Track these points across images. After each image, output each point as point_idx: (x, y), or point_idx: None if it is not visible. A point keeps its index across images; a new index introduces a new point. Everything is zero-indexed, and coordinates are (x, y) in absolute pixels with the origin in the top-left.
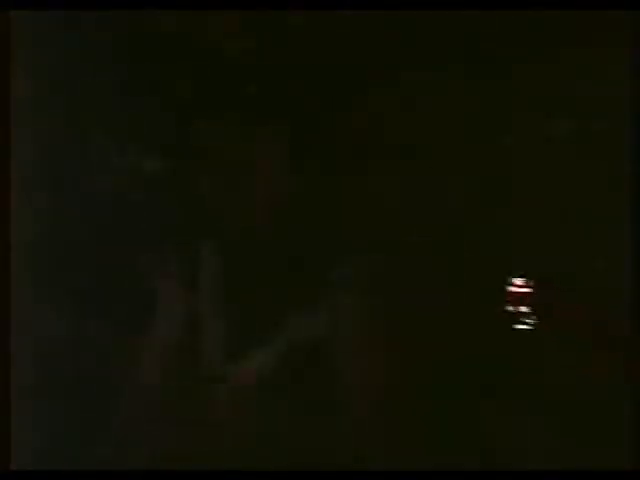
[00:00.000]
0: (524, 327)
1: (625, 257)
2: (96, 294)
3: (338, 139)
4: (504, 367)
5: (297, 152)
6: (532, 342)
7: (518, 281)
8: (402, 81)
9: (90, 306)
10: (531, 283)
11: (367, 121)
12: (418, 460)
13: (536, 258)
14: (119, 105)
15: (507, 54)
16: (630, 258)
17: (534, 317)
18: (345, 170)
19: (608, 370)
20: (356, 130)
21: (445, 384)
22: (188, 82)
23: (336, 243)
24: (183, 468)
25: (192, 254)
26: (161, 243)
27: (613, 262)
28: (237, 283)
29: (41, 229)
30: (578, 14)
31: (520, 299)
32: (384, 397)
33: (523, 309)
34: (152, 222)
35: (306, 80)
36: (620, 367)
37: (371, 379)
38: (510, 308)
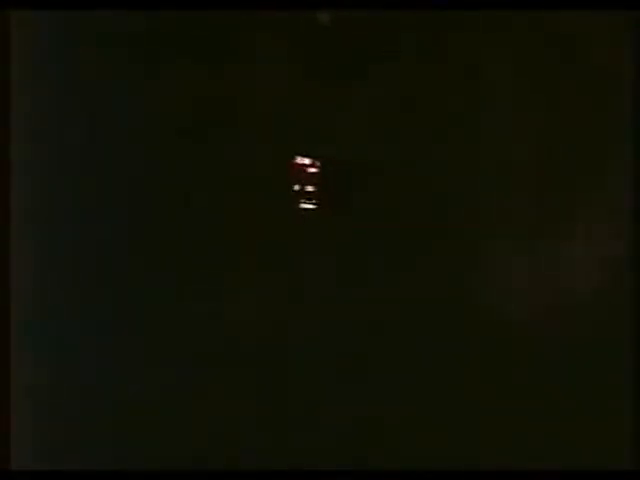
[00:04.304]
0: (309, 206)
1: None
2: None
3: None
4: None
5: None
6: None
7: (305, 160)
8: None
9: None
10: (317, 163)
11: None
12: None
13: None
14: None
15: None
16: None
17: (319, 196)
18: None
19: None
20: None
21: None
22: None
23: None
24: None
25: None
26: None
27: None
28: None
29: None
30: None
31: (306, 178)
32: None
33: (309, 188)
34: None
35: None
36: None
37: None
38: (296, 187)
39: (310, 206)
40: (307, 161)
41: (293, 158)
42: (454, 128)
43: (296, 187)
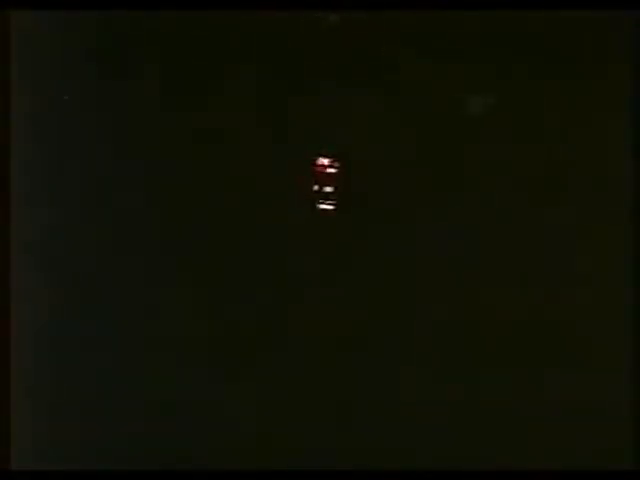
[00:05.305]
0: (328, 206)
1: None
2: None
3: None
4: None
5: None
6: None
7: (325, 161)
8: None
9: None
10: (337, 163)
11: None
12: None
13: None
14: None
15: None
16: None
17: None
18: None
19: None
20: None
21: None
22: None
23: None
24: None
25: None
26: None
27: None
28: None
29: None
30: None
31: (325, 179)
32: None
33: (328, 189)
34: None
35: None
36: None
37: None
38: (315, 187)
39: (326, 206)
40: (323, 161)
41: (301, 159)
42: (461, 128)
43: (314, 187)
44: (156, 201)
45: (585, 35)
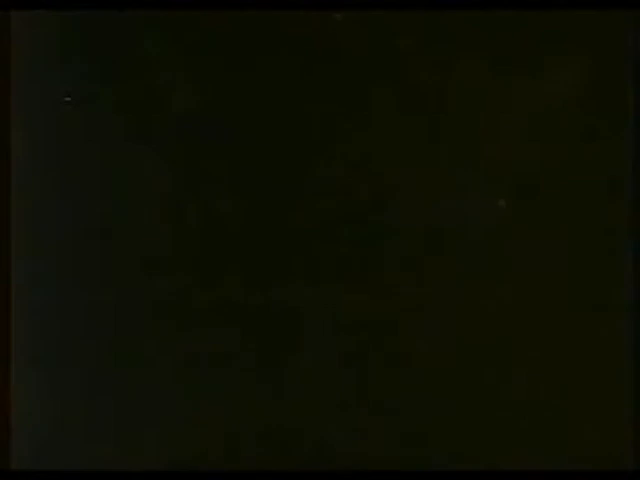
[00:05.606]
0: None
1: None
2: None
3: None
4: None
5: None
6: None
7: None
8: None
9: None
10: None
11: None
12: None
13: None
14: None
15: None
16: None
17: None
18: None
19: None
20: None
21: None
22: None
23: None
24: None
25: None
26: None
27: None
28: None
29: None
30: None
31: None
32: None
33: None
34: None
35: None
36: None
37: None
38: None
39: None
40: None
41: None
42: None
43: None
44: (156, 198)
45: (585, 35)
